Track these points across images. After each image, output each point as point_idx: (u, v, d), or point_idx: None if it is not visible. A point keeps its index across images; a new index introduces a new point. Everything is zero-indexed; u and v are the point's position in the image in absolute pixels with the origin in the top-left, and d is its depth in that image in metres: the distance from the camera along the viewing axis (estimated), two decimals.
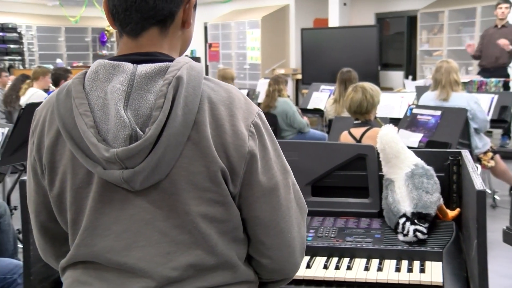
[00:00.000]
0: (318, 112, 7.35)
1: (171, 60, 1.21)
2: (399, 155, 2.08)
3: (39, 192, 1.31)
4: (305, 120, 6.71)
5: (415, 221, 1.92)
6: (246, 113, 1.23)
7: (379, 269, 1.82)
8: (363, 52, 10.73)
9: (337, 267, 1.85)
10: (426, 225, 1.93)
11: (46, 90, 7.05)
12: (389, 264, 1.85)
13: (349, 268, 1.84)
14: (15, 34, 14.69)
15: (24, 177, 1.75)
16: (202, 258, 1.21)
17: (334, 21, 11.40)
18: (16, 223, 3.55)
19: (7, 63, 14.26)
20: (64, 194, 1.25)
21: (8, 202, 3.92)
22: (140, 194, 1.19)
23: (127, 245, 1.20)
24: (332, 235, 2.01)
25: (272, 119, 6.66)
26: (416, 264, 1.83)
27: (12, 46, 14.57)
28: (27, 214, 1.73)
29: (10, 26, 14.72)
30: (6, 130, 4.02)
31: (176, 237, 1.20)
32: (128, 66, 1.18)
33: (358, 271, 1.82)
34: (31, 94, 6.87)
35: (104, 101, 1.15)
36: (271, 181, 1.25)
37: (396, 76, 11.45)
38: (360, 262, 1.88)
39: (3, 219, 3.42)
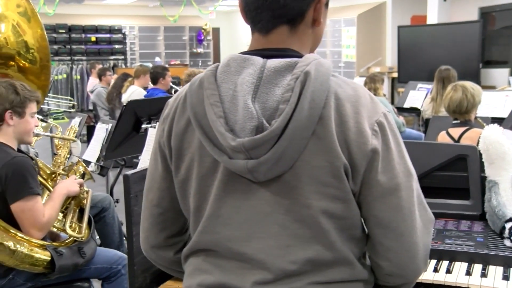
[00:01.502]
0: (414, 111, 7.16)
1: (300, 56, 1.22)
2: (505, 156, 1.99)
3: (167, 178, 1.35)
4: (400, 119, 6.56)
5: None
6: (371, 112, 1.22)
7: (483, 275, 1.74)
8: (464, 49, 10.30)
9: (435, 270, 1.80)
10: None
11: (146, 88, 7.29)
12: (495, 270, 1.77)
13: (448, 271, 1.78)
14: (120, 35, 15.42)
15: (128, 172, 1.83)
16: (320, 254, 1.22)
17: (433, 17, 11.04)
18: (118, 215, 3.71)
19: (111, 63, 14.97)
20: (189, 181, 1.29)
21: (111, 196, 4.09)
22: (262, 186, 1.21)
23: (247, 236, 1.23)
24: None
25: None
26: None
27: (116, 46, 15.30)
28: (131, 207, 1.81)
29: (116, 28, 15.48)
30: (109, 126, 4.20)
31: (296, 230, 1.21)
32: (258, 60, 1.21)
33: (458, 275, 1.76)
34: (132, 92, 7.13)
35: (234, 93, 1.19)
36: (392, 181, 1.22)
37: (500, 74, 10.91)
38: (460, 266, 1.81)
39: (108, 212, 3.57)
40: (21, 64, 2.89)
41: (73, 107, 11.89)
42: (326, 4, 1.30)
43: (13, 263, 2.44)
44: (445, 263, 1.83)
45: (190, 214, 1.32)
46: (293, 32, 1.26)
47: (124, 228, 3.70)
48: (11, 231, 2.46)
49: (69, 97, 13.05)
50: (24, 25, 2.86)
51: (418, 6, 11.81)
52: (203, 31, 17.00)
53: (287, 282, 1.22)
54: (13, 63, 2.87)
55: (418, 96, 7.15)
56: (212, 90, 1.21)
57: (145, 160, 3.12)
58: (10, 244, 2.41)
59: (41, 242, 2.53)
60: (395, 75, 11.95)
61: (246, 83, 1.18)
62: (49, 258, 2.49)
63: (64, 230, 2.70)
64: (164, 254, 1.45)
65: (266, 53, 1.24)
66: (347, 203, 1.22)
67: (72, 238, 2.69)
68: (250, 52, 1.26)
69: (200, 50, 17.09)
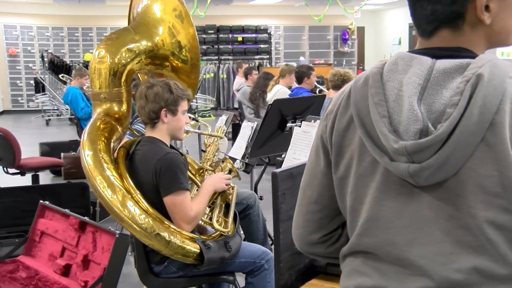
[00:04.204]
0: None
1: (474, 56, 1.16)
2: None
3: (328, 174, 1.34)
4: None
5: None
6: None
7: None
8: None
9: None
10: None
11: (290, 87, 7.38)
12: None
13: None
14: (265, 35, 15.81)
15: (276, 170, 1.85)
16: (489, 266, 1.14)
17: None
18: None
19: (257, 62, 15.38)
20: (347, 179, 1.28)
21: (255, 193, 4.18)
22: (424, 190, 1.16)
23: (408, 241, 1.19)
24: None
25: None
26: None
27: (262, 46, 15.70)
28: (278, 205, 1.83)
29: (262, 28, 15.90)
30: (255, 124, 4.29)
31: (461, 238, 1.14)
32: (426, 60, 1.17)
33: None
34: (276, 91, 7.25)
35: (399, 93, 1.16)
36: None
37: None
38: None
39: (253, 210, 3.64)
40: (174, 64, 3.03)
41: (215, 106, 12.38)
42: None
43: (167, 253, 2.57)
44: None
45: (347, 213, 1.30)
46: (458, 34, 1.20)
47: (268, 225, 3.77)
48: (165, 222, 2.61)
49: (210, 97, 13.60)
50: (178, 26, 3.00)
51: None
52: (348, 30, 16.90)
53: None
54: (167, 64, 3.02)
55: None
56: (377, 88, 1.18)
57: (290, 158, 3.14)
58: (166, 235, 2.54)
59: (191, 235, 2.65)
60: None
61: (412, 84, 1.14)
62: (198, 251, 2.59)
63: (211, 224, 2.81)
64: (316, 250, 1.44)
65: (436, 53, 1.18)
66: None
67: (218, 232, 2.78)
68: (418, 51, 1.22)
69: (346, 49, 17.00)
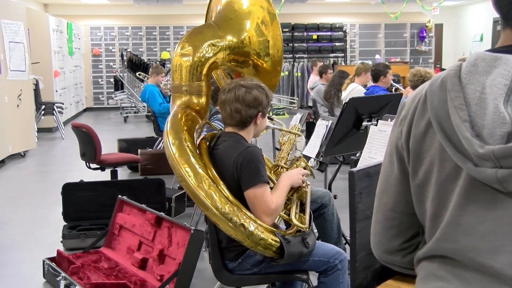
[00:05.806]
0: None
1: None
2: None
3: (404, 181, 1.32)
4: None
5: None
6: None
7: None
8: None
9: None
10: None
11: (365, 86, 7.30)
12: None
13: None
14: (340, 33, 15.70)
15: (353, 168, 1.83)
16: None
17: None
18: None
19: (331, 60, 15.28)
20: (427, 186, 1.25)
21: (330, 191, 4.15)
22: (511, 196, 1.11)
23: (493, 248, 1.14)
24: None
25: None
26: None
27: (337, 44, 15.60)
28: (355, 204, 1.81)
29: (337, 25, 15.80)
30: (329, 123, 4.26)
31: None
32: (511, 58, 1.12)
33: None
34: (351, 89, 7.19)
35: (481, 95, 1.11)
36: None
37: None
38: None
39: (327, 209, 3.60)
40: (258, 63, 3.00)
41: (299, 107, 12.35)
42: None
43: (249, 244, 2.57)
44: None
45: (426, 219, 1.27)
46: None
47: (342, 224, 3.73)
48: (248, 214, 2.60)
49: (291, 97, 13.60)
50: (267, 25, 2.96)
51: None
52: (425, 27, 16.49)
53: None
54: (250, 63, 3.00)
55: None
56: (456, 92, 1.14)
57: (365, 157, 3.11)
58: (249, 226, 2.53)
59: (271, 228, 2.64)
60: None
61: (497, 85, 1.09)
62: (278, 244, 2.59)
63: (290, 220, 2.79)
64: (394, 259, 1.42)
65: None
66: None
67: (295, 228, 2.76)
68: (501, 50, 1.15)
69: (424, 47, 16.61)
